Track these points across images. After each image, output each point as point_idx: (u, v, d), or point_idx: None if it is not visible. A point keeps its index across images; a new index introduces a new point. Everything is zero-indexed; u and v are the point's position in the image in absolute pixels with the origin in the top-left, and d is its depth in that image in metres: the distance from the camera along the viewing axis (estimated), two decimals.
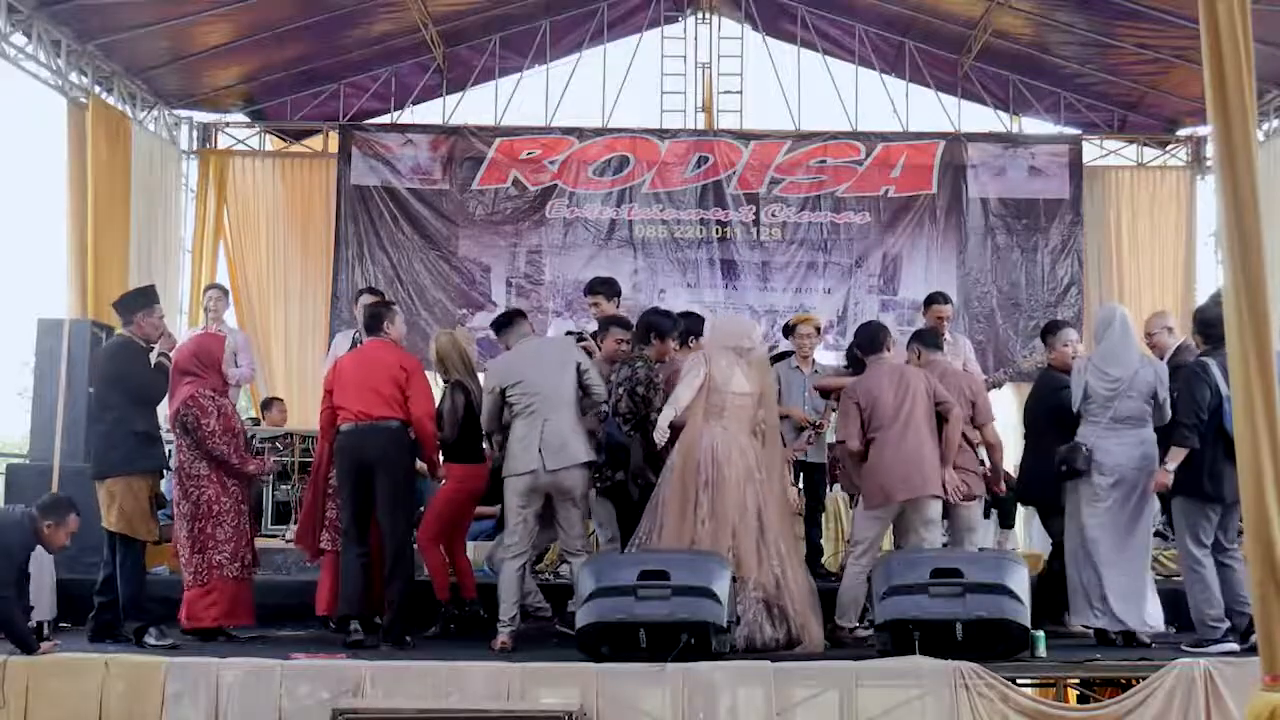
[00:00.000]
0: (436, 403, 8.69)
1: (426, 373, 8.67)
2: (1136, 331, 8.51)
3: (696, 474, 7.94)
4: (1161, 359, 8.94)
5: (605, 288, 9.60)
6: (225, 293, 12.39)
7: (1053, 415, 8.54)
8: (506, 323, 8.68)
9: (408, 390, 8.28)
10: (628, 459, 8.36)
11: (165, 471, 8.58)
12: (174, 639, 8.05)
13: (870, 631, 7.88)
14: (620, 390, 8.45)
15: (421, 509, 9.10)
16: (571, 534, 8.30)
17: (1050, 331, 9.17)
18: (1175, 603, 8.65)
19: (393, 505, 8.21)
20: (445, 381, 8.74)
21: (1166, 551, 10.35)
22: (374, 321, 8.62)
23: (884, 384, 8.28)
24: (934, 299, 10.64)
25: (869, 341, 8.62)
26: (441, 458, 8.79)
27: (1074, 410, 8.22)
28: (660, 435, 8.07)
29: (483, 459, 8.77)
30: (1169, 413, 8.05)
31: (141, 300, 8.52)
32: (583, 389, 8.25)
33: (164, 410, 8.71)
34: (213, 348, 8.67)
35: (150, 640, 7.93)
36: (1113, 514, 8.06)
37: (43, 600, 8.92)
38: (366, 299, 10.00)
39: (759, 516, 7.93)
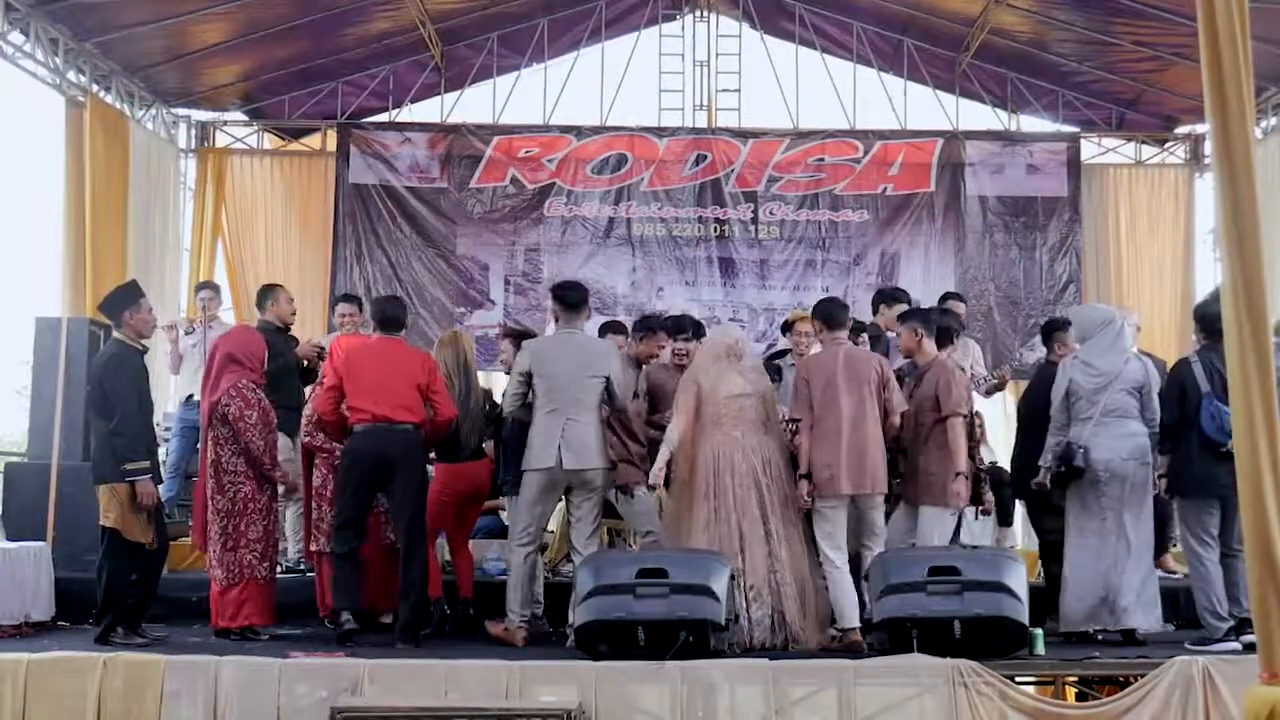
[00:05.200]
0: None
1: None
2: (1131, 341, 8.51)
3: (698, 485, 7.96)
4: None
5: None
6: (217, 290, 12.39)
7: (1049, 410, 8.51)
8: (577, 303, 8.50)
9: (432, 394, 8.26)
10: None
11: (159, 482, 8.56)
12: (145, 638, 8.07)
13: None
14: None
15: None
16: (584, 527, 8.28)
17: (1058, 327, 9.14)
18: (1176, 601, 8.66)
19: (410, 507, 8.22)
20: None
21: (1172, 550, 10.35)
22: (394, 320, 8.56)
23: (837, 365, 8.09)
24: (949, 296, 10.85)
25: (827, 317, 8.34)
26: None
27: (1056, 408, 8.24)
28: (657, 475, 8.11)
29: (459, 458, 8.76)
30: (1157, 410, 8.10)
31: (127, 298, 8.44)
32: (608, 396, 8.26)
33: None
34: (257, 342, 8.70)
35: (117, 640, 7.92)
36: (1115, 511, 8.07)
37: (41, 600, 8.95)
38: (345, 307, 10.18)
39: (764, 521, 7.91)
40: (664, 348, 9.09)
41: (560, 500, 8.73)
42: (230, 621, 8.27)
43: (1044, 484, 8.37)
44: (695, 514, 7.96)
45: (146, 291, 8.71)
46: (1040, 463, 8.36)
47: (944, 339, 8.62)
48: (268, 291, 10.18)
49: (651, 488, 8.57)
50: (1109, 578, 8.02)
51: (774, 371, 9.38)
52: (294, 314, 10.11)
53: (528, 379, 8.22)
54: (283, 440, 8.95)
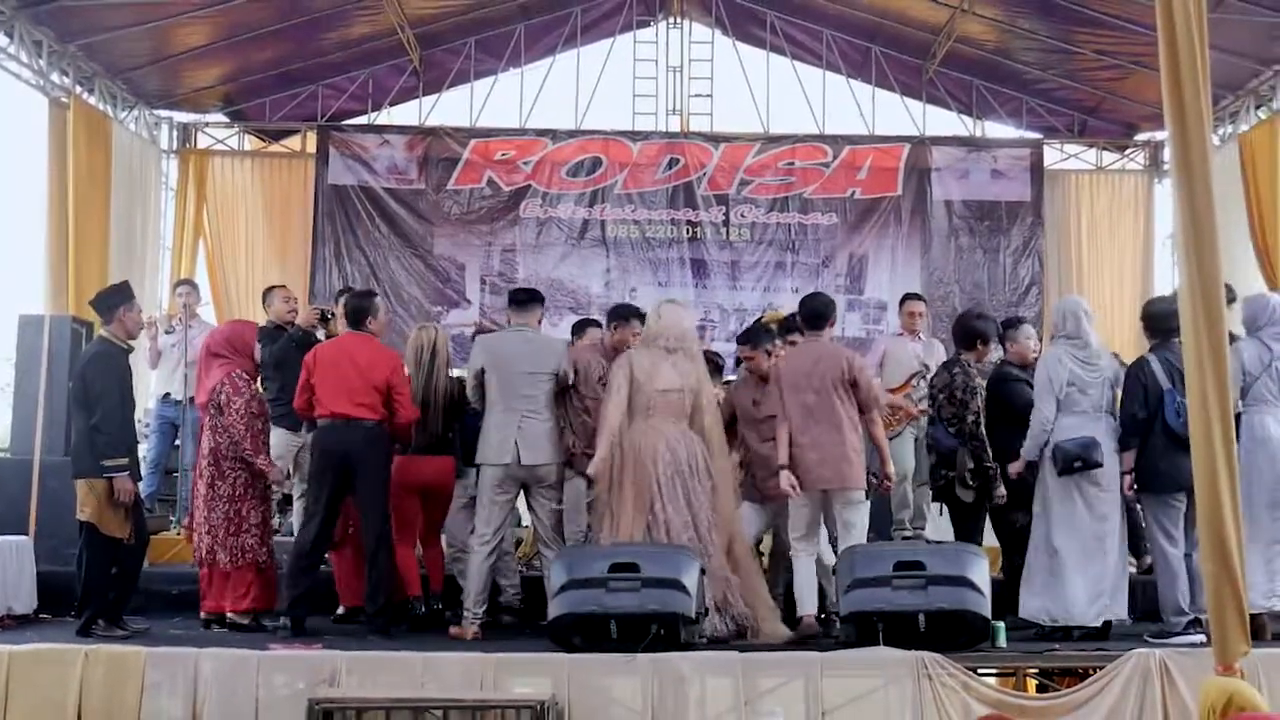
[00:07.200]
0: None
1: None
2: None
3: (627, 472, 8.02)
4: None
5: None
6: (195, 287, 12.47)
7: (1008, 408, 8.56)
8: (526, 300, 8.70)
9: (394, 395, 8.34)
10: (954, 461, 8.50)
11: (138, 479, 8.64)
12: (127, 630, 8.12)
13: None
14: (940, 396, 8.56)
15: None
16: (548, 523, 8.44)
17: (1011, 326, 9.15)
18: (1133, 593, 8.80)
19: (371, 501, 8.31)
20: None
21: None
22: (358, 316, 8.62)
23: (804, 365, 8.16)
24: (908, 297, 11.05)
25: (814, 315, 8.40)
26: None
27: (1042, 397, 8.07)
28: (599, 465, 8.07)
29: (406, 449, 8.76)
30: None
31: (120, 296, 8.54)
32: (560, 392, 8.44)
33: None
34: (246, 334, 8.85)
35: (98, 632, 7.98)
36: (1109, 504, 8.05)
37: (23, 593, 9.03)
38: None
39: (690, 509, 7.97)
40: (638, 335, 9.13)
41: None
42: (236, 605, 8.39)
43: (1021, 472, 8.27)
44: (624, 501, 8.02)
45: None
46: (1026, 453, 8.18)
47: (970, 342, 8.82)
48: (265, 294, 10.31)
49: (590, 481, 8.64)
50: (1107, 569, 8.05)
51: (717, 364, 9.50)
52: (291, 312, 9.98)
53: (481, 375, 8.36)
54: (282, 435, 9.12)
